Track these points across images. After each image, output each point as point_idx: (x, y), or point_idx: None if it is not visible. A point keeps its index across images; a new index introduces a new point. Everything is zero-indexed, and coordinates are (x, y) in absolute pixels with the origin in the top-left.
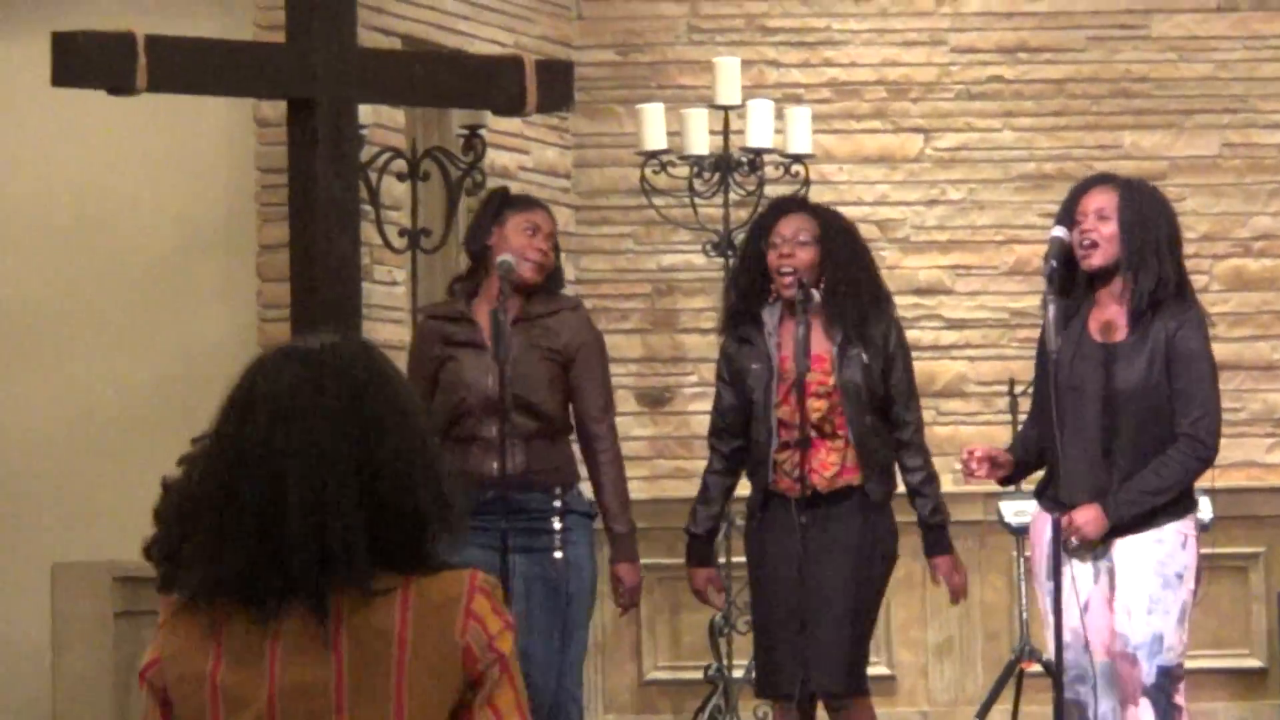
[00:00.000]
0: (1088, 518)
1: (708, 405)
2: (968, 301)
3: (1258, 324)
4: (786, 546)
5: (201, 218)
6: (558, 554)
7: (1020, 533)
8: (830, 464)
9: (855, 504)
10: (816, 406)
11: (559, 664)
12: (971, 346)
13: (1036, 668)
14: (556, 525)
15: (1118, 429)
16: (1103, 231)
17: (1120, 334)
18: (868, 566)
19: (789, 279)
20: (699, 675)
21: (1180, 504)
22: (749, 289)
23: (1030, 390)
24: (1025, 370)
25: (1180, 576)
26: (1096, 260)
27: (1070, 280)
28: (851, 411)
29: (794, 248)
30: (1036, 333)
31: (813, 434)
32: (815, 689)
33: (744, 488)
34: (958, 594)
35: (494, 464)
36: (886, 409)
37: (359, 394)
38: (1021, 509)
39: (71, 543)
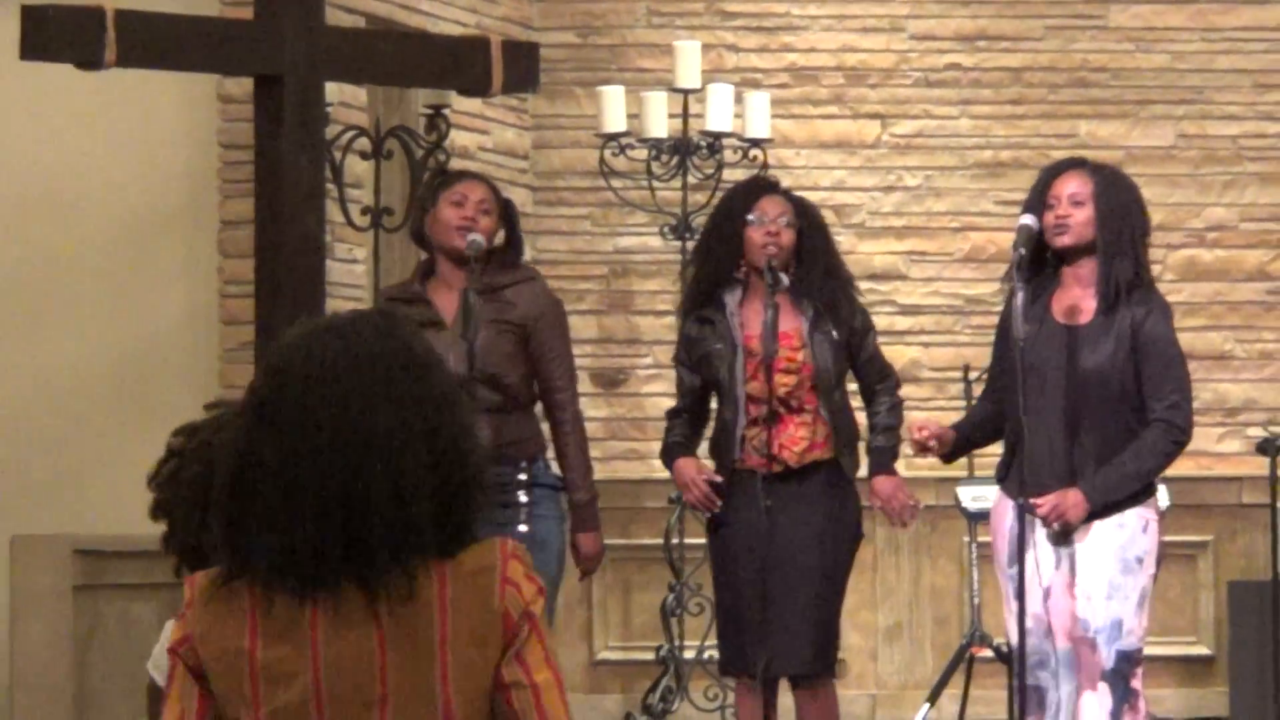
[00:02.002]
0: (1072, 502)
1: (662, 387)
2: (922, 288)
3: (1210, 314)
4: (753, 523)
5: (163, 193)
6: (522, 527)
7: (976, 518)
8: (800, 439)
9: (824, 480)
10: (784, 382)
11: None
12: (926, 332)
13: (987, 653)
14: (523, 499)
15: (1082, 412)
16: (1077, 216)
17: (1085, 316)
18: (837, 547)
19: (773, 254)
20: (650, 656)
21: (1141, 489)
22: (718, 266)
23: (985, 374)
24: (979, 356)
25: (1140, 561)
26: (1068, 240)
27: (1034, 266)
28: (824, 386)
29: (779, 227)
30: (991, 320)
31: (780, 409)
32: (782, 670)
33: None
34: (901, 514)
35: None
36: (862, 384)
37: (421, 368)
38: (979, 494)
39: (30, 516)
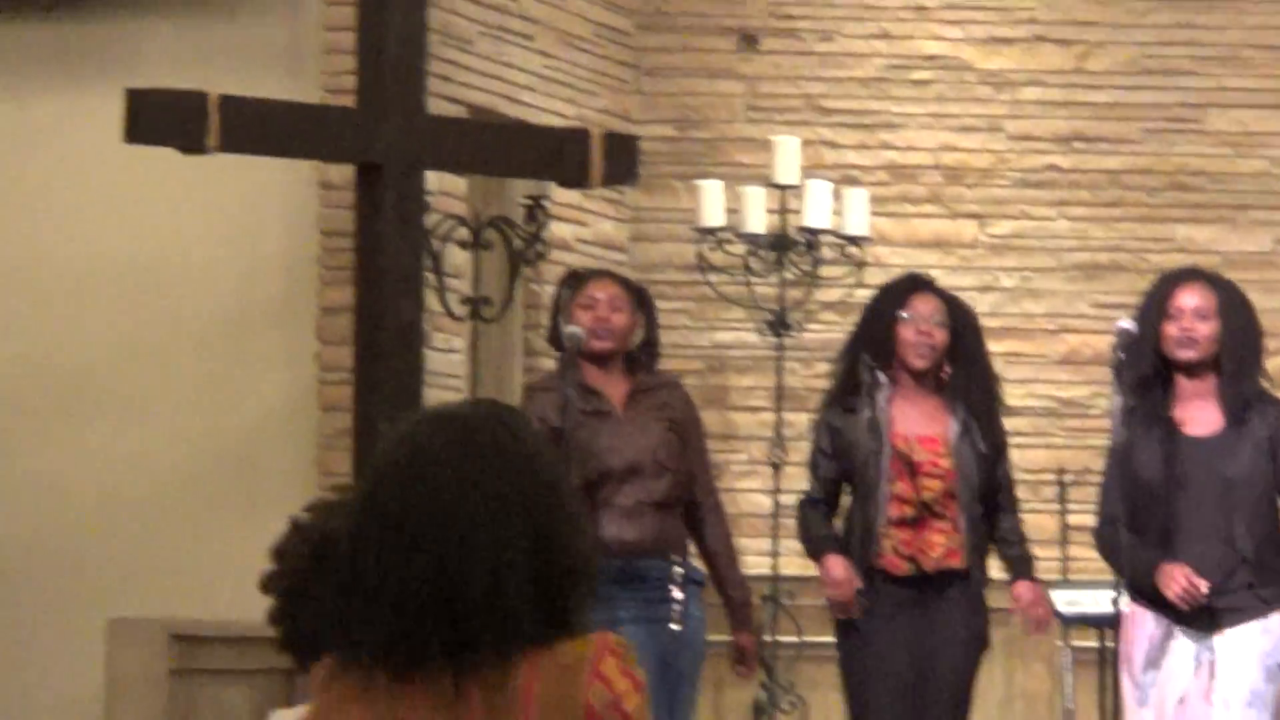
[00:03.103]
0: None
1: (756, 483)
2: (1018, 389)
3: None
4: (900, 626)
5: (263, 279)
6: (675, 626)
7: (1070, 622)
8: (937, 545)
9: (960, 589)
10: (930, 486)
11: None
12: (1020, 434)
13: None
14: (678, 595)
15: (1232, 520)
16: (1201, 330)
17: (1213, 427)
18: (974, 658)
19: (924, 363)
20: None
21: None
22: (869, 365)
23: (1079, 479)
24: (1074, 459)
25: None
26: (1194, 356)
27: (1140, 372)
28: (965, 497)
29: (931, 327)
30: (1086, 423)
31: (923, 513)
32: None
33: None
34: (1038, 623)
35: (628, 530)
36: (991, 502)
37: (528, 458)
38: (1074, 599)
39: (128, 599)
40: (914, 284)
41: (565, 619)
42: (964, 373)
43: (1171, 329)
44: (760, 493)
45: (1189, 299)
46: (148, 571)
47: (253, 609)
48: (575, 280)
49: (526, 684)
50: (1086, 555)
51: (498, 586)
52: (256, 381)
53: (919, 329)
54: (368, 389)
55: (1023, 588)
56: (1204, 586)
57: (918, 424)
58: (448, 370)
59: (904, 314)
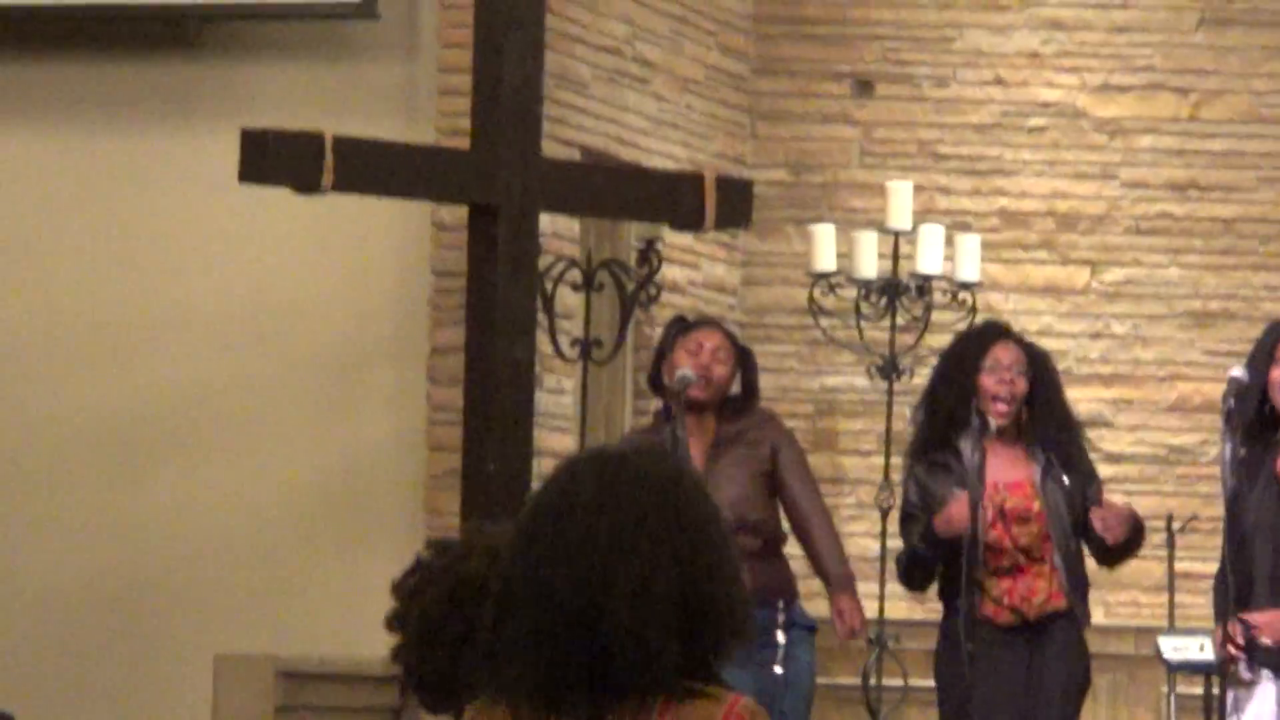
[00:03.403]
0: (1267, 620)
1: (865, 526)
2: (1128, 436)
3: None
4: (1008, 674)
5: (374, 318)
6: (778, 668)
7: (1176, 669)
8: (1039, 590)
9: (1064, 631)
10: (1026, 531)
11: None
12: (1130, 481)
13: None
14: (780, 639)
15: None
16: None
17: None
18: (1077, 699)
19: (1005, 407)
20: None
21: None
22: (950, 414)
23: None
24: (1183, 507)
25: None
26: None
27: (1248, 419)
28: (1058, 536)
29: (1014, 376)
30: (1196, 470)
31: (1020, 559)
32: None
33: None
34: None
35: None
36: (1086, 532)
37: (679, 498)
38: (1180, 645)
39: (235, 636)
40: (994, 333)
41: (708, 666)
42: (1042, 416)
43: (1275, 376)
44: (868, 536)
45: None
46: (255, 608)
47: (358, 647)
48: (683, 325)
49: None
50: (1194, 602)
51: (640, 618)
52: (366, 421)
53: (1001, 379)
54: (477, 429)
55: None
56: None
57: (1004, 471)
58: (558, 411)
59: (984, 363)
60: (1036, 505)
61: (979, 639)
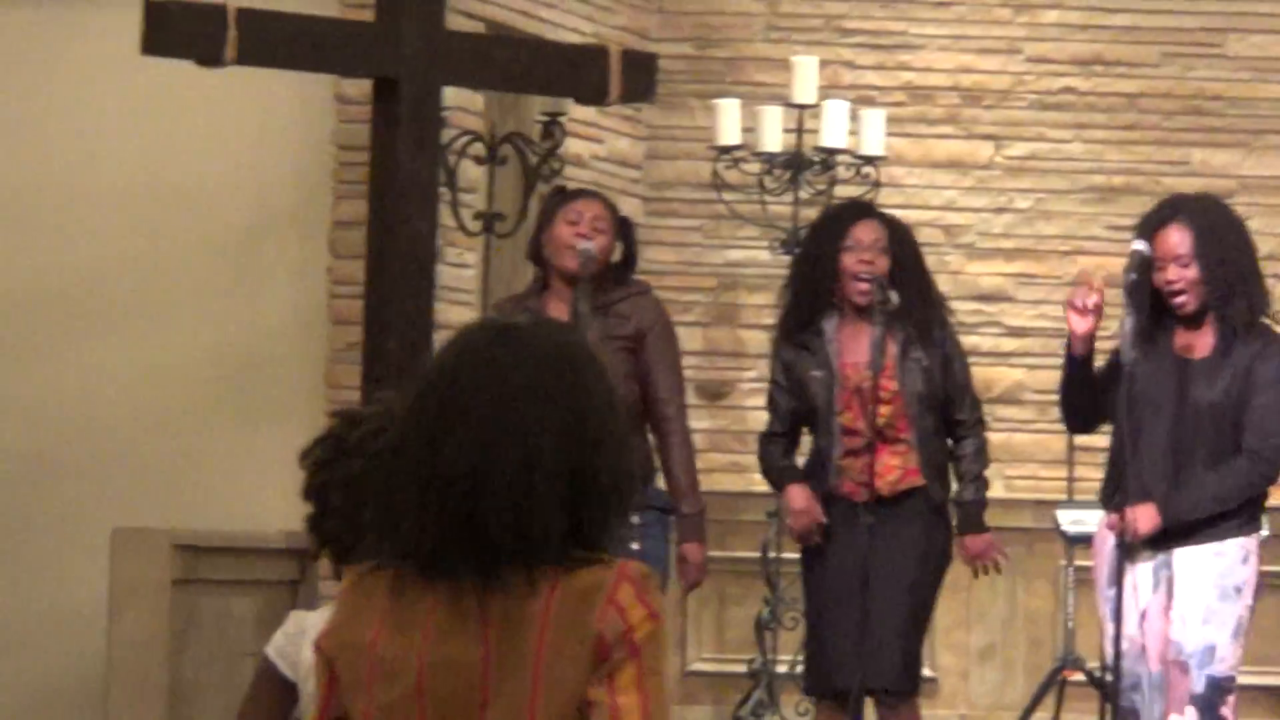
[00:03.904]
0: (1142, 514)
1: (764, 401)
2: (1029, 310)
3: None
4: (852, 549)
5: (276, 192)
6: (634, 546)
7: (1074, 541)
8: (893, 467)
9: (918, 507)
10: (881, 412)
11: None
12: (1031, 355)
13: (1079, 677)
14: (635, 519)
15: (1195, 444)
16: (1188, 276)
17: (1201, 351)
18: (929, 569)
19: (866, 285)
20: (742, 669)
21: (1244, 518)
22: (814, 293)
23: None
24: None
25: (1239, 590)
26: (1191, 306)
27: (1148, 292)
28: (915, 415)
29: (874, 255)
30: (1097, 344)
31: (876, 440)
32: (875, 687)
33: None
34: (979, 561)
35: None
36: (945, 410)
37: (569, 369)
38: (1078, 518)
39: (132, 509)
40: (854, 212)
41: (592, 536)
42: (901, 292)
43: (1159, 279)
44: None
45: (1168, 247)
46: (154, 482)
47: (257, 520)
48: (562, 196)
49: (544, 606)
50: (1092, 475)
51: (522, 488)
52: (268, 295)
53: (861, 259)
54: (378, 303)
55: (972, 541)
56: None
57: (863, 352)
58: (460, 285)
59: (845, 243)
60: (894, 385)
61: (835, 515)
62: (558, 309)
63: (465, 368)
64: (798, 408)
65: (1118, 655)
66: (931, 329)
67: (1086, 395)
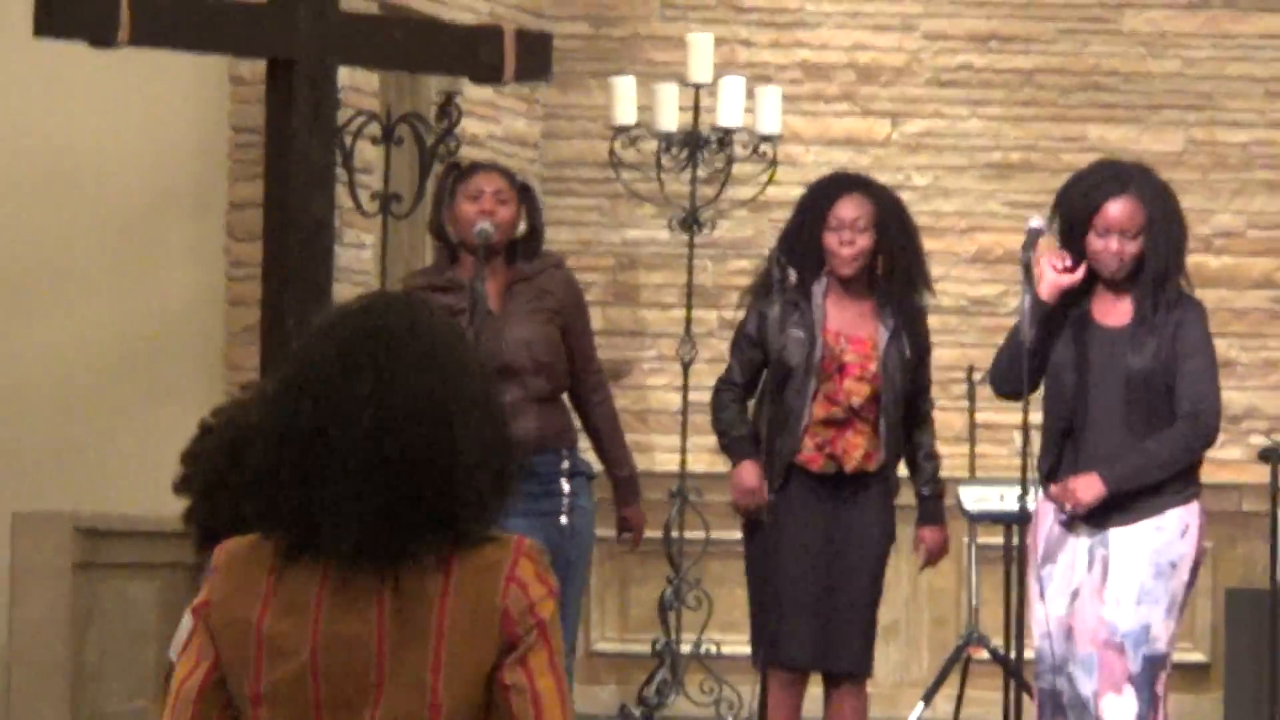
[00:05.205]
0: (1083, 483)
1: (666, 380)
2: None
3: (1215, 321)
4: (815, 521)
5: (172, 174)
6: (564, 518)
7: (977, 519)
8: (857, 446)
9: (875, 489)
10: (858, 390)
11: None
12: (932, 333)
13: (983, 654)
14: (565, 488)
15: (1132, 411)
16: (1130, 249)
17: (1124, 319)
18: (884, 552)
19: (848, 264)
20: (646, 649)
21: (1184, 490)
22: (799, 266)
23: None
24: (984, 358)
25: (1174, 565)
26: (1122, 275)
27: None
28: (888, 401)
29: (854, 234)
30: (995, 320)
31: (847, 415)
32: (836, 667)
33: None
34: (934, 559)
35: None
36: (910, 408)
37: (462, 344)
38: (981, 495)
39: (32, 493)
40: (838, 187)
41: (487, 517)
42: (896, 276)
43: (1097, 244)
44: (669, 390)
45: (1117, 217)
46: (53, 466)
47: (158, 504)
48: (459, 171)
49: (443, 583)
50: (994, 452)
51: (391, 480)
52: (164, 276)
53: (841, 239)
54: (276, 284)
55: (930, 533)
56: (1086, 496)
57: (850, 324)
58: (357, 266)
59: (827, 221)
60: (874, 367)
61: (796, 486)
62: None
63: (332, 345)
64: (762, 363)
65: (1020, 631)
66: (918, 323)
67: (1042, 352)
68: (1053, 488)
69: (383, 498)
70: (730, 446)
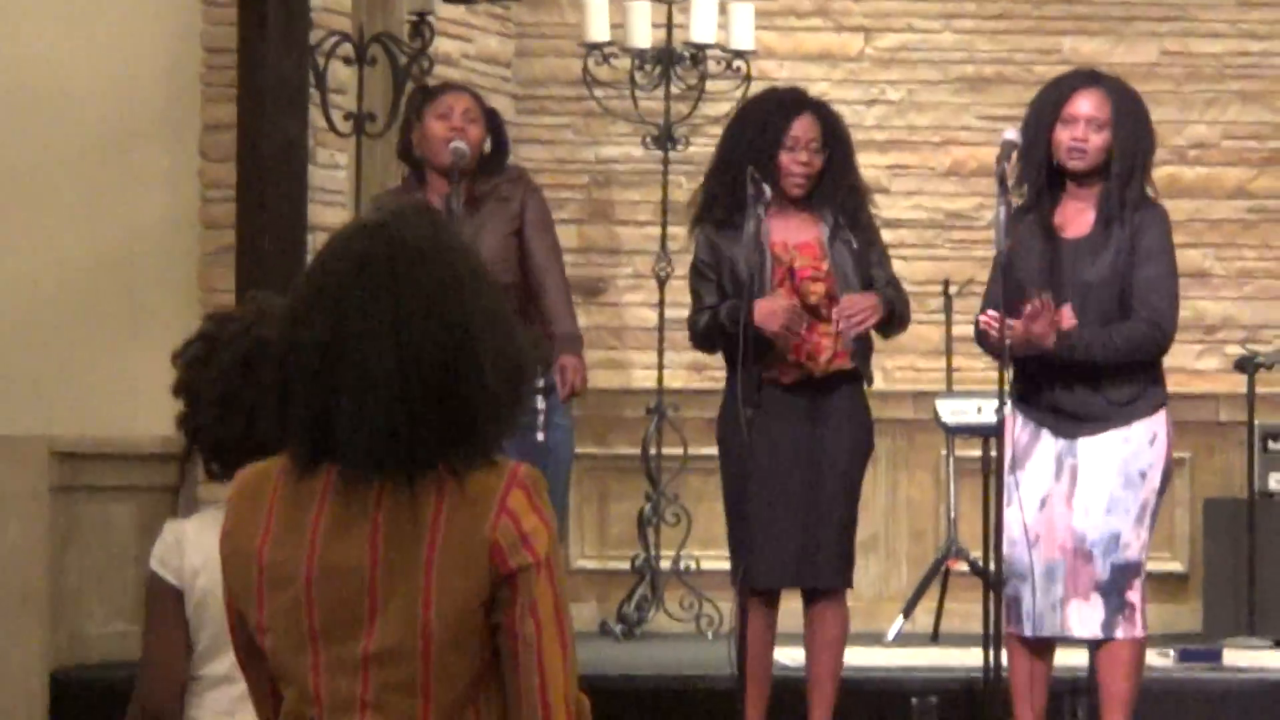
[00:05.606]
0: (1039, 330)
1: (642, 297)
2: (904, 201)
3: (1190, 232)
4: (789, 441)
5: (144, 96)
6: (539, 435)
7: (955, 432)
8: (824, 348)
9: (848, 392)
10: (814, 290)
11: None
12: (906, 246)
13: (962, 567)
14: (540, 404)
15: (1089, 321)
16: (1094, 141)
17: (1084, 229)
18: (861, 462)
19: (801, 183)
20: (626, 565)
21: (1151, 400)
22: (736, 182)
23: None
24: (959, 271)
25: (1143, 475)
26: (1083, 166)
27: (1034, 183)
28: (845, 291)
29: (810, 154)
30: (970, 234)
31: (810, 318)
32: (817, 582)
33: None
34: (851, 324)
35: None
36: (868, 289)
37: (449, 263)
38: (958, 408)
39: (8, 417)
40: (794, 107)
41: (482, 436)
42: (833, 180)
43: (1063, 134)
44: (645, 306)
45: (1083, 106)
46: (28, 390)
47: (135, 426)
48: (427, 92)
49: (435, 513)
50: (971, 365)
51: (365, 404)
52: (138, 199)
53: (798, 159)
54: (250, 206)
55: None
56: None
57: (793, 233)
58: (331, 186)
59: (782, 141)
60: (825, 265)
61: (761, 402)
62: (438, 204)
63: (352, 258)
64: (721, 289)
65: (1000, 543)
66: (859, 214)
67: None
68: (1014, 324)
69: (405, 406)
70: (727, 314)
